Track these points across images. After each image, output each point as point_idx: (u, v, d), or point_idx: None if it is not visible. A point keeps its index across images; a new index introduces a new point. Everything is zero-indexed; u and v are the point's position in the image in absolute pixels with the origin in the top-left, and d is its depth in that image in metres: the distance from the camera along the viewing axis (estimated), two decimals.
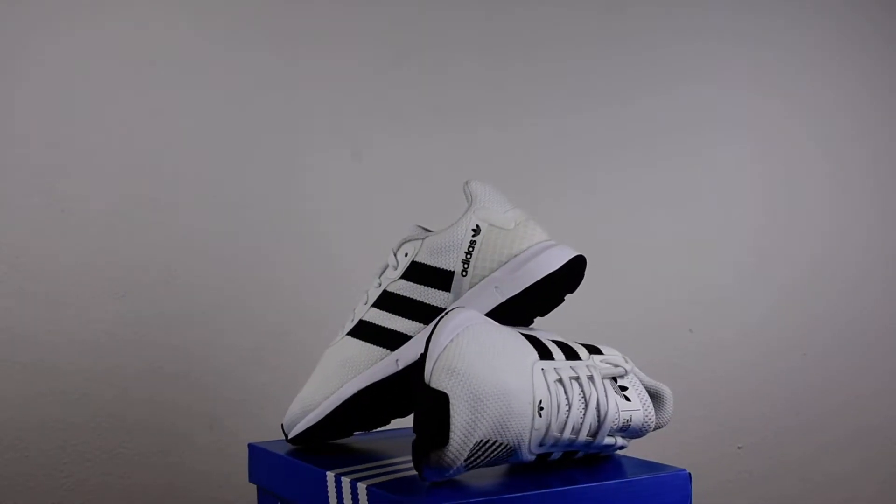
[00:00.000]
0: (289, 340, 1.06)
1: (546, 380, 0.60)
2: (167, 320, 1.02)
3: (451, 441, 0.56)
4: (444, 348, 0.58)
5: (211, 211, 1.05)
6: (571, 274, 0.71)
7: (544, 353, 0.63)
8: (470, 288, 0.71)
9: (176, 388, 1.02)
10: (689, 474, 0.62)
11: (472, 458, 0.57)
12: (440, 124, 1.15)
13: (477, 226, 0.73)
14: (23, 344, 0.97)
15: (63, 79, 1.01)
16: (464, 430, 0.56)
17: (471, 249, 0.72)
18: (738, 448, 1.19)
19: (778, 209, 1.24)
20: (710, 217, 1.22)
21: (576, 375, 0.62)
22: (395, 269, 0.74)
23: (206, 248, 1.05)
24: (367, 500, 0.60)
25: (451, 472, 0.57)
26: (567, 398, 0.61)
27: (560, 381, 0.61)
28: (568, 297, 0.73)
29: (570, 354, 0.64)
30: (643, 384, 0.67)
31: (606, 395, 0.62)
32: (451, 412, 0.56)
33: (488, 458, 0.58)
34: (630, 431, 0.64)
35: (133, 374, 1.00)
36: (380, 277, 0.76)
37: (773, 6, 1.27)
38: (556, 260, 0.70)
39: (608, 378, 0.64)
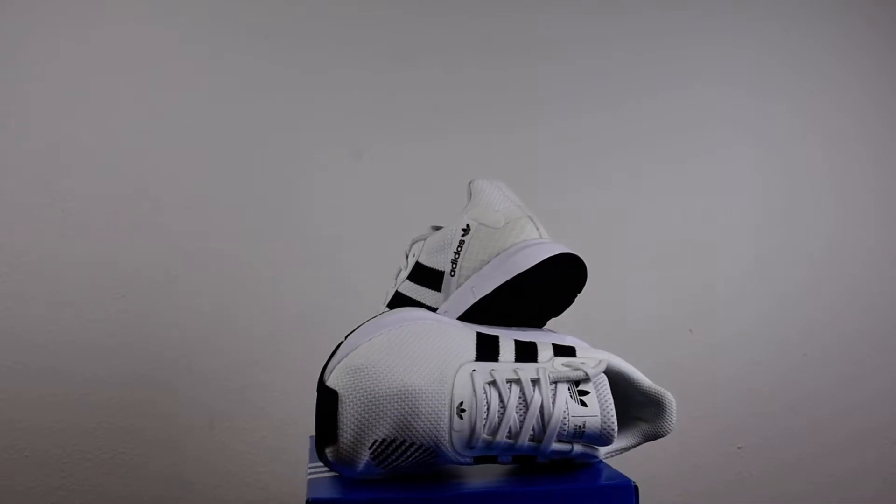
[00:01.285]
0: (289, 341, 1.06)
1: (473, 382, 0.59)
2: (167, 320, 1.02)
3: (341, 439, 0.57)
4: (356, 348, 0.59)
5: (211, 211, 1.05)
6: (551, 273, 0.68)
7: (486, 355, 0.61)
8: (457, 288, 0.70)
9: (176, 388, 1.02)
10: (636, 487, 0.58)
11: (382, 458, 0.58)
12: (441, 126, 1.15)
13: (467, 225, 0.72)
14: (23, 344, 0.97)
15: (63, 79, 1.01)
16: (354, 428, 0.57)
17: (459, 249, 0.71)
18: (738, 448, 1.19)
19: (778, 209, 1.24)
20: (710, 217, 1.22)
21: (516, 378, 0.59)
22: (405, 269, 0.74)
23: (206, 248, 1.05)
24: None
25: (361, 468, 0.58)
26: (502, 400, 0.58)
27: (493, 383, 0.59)
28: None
29: (526, 356, 0.61)
30: (644, 390, 0.64)
31: (554, 399, 0.59)
32: (340, 410, 0.57)
33: (406, 459, 0.58)
34: (588, 438, 0.59)
35: (133, 374, 1.00)
36: (395, 278, 0.75)
37: (774, 7, 1.26)
38: (530, 259, 0.67)
39: (565, 382, 0.60)
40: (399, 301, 0.73)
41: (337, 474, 0.60)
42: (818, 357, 1.23)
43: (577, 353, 0.62)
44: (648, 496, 1.14)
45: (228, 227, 1.06)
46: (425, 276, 0.72)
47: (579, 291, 0.70)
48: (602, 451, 0.62)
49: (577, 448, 0.60)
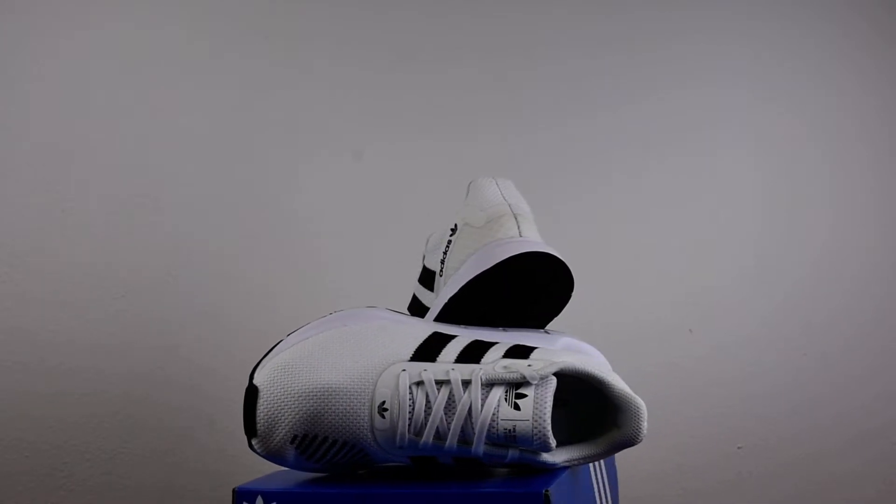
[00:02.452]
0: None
1: (399, 381, 0.58)
2: (167, 320, 1.02)
3: (258, 433, 0.60)
4: (290, 346, 0.61)
5: (211, 211, 1.05)
6: (517, 271, 0.66)
7: (424, 356, 0.60)
8: (443, 288, 0.69)
9: (176, 388, 1.02)
10: (546, 496, 0.55)
11: (309, 454, 0.60)
12: (441, 126, 1.15)
13: (455, 225, 0.71)
14: (23, 344, 0.97)
15: (63, 79, 1.01)
16: (269, 423, 0.59)
17: (446, 249, 0.70)
18: (738, 448, 1.19)
19: (779, 209, 1.24)
20: (710, 217, 1.22)
21: (446, 379, 0.58)
22: (420, 270, 0.75)
23: (206, 249, 1.05)
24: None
25: (292, 462, 0.61)
26: (428, 401, 0.58)
27: (420, 383, 0.58)
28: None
29: (469, 357, 0.60)
30: (615, 395, 0.60)
31: (483, 402, 0.57)
32: (258, 405, 0.60)
33: (336, 455, 0.60)
34: (521, 442, 0.57)
35: (133, 374, 1.00)
36: (417, 279, 0.76)
37: (774, 7, 1.26)
38: (495, 256, 0.66)
39: (502, 384, 0.58)
40: (412, 302, 0.73)
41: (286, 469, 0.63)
42: (819, 357, 1.23)
43: (533, 355, 0.59)
44: (648, 496, 1.14)
45: (228, 227, 1.06)
46: (424, 276, 0.73)
47: (561, 292, 0.68)
48: (560, 457, 0.59)
49: (513, 452, 0.58)
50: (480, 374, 0.58)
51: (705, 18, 1.25)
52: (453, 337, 0.63)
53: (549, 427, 0.57)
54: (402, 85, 1.14)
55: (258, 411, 0.60)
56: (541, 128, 1.18)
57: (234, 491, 0.60)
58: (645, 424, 0.60)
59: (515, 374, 0.57)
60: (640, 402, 0.59)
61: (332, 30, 1.12)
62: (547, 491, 0.54)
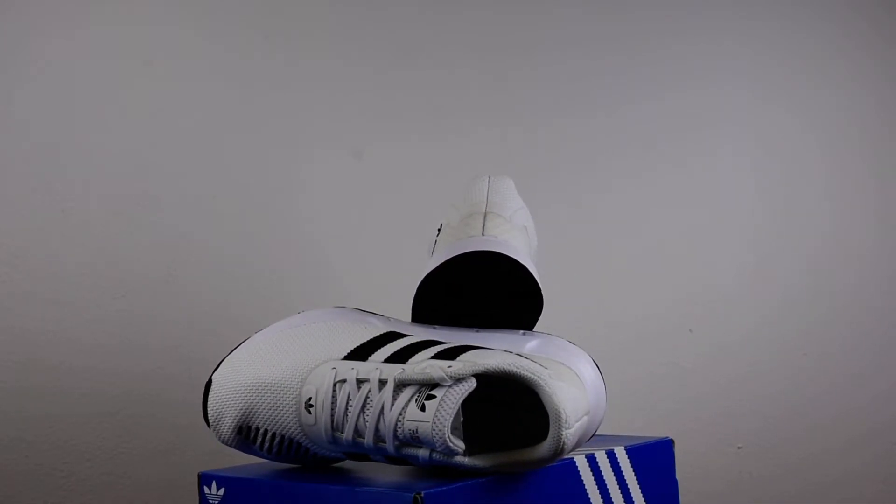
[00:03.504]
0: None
1: (326, 379, 0.60)
2: (167, 320, 1.02)
3: (210, 423, 0.66)
4: (248, 343, 0.66)
5: (211, 211, 1.05)
6: (461, 270, 0.66)
7: (358, 355, 0.61)
8: None
9: (176, 388, 1.02)
10: (415, 499, 0.55)
11: (255, 444, 0.64)
12: (442, 126, 1.15)
13: (441, 225, 0.72)
14: (23, 344, 0.97)
15: (63, 79, 1.01)
16: (217, 414, 0.65)
17: (433, 249, 0.72)
18: (738, 448, 1.19)
19: (778, 209, 1.24)
20: (710, 217, 1.22)
21: (366, 378, 0.59)
22: None
23: (206, 248, 1.05)
24: None
25: (251, 451, 0.65)
26: (349, 399, 0.59)
27: (344, 381, 0.59)
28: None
29: (399, 357, 0.60)
30: (544, 400, 0.57)
31: (393, 402, 0.58)
32: (209, 398, 0.66)
33: (280, 447, 0.63)
34: (426, 444, 0.57)
35: (133, 374, 1.00)
36: None
37: (774, 7, 1.27)
38: (444, 256, 0.67)
39: (415, 385, 0.58)
40: None
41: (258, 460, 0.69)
42: (818, 357, 1.23)
43: (465, 356, 0.59)
44: None
45: (229, 226, 1.06)
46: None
47: (525, 291, 0.67)
48: (480, 462, 0.58)
49: (424, 454, 0.58)
50: (397, 374, 0.58)
51: (705, 18, 1.25)
52: (403, 337, 0.63)
53: (448, 430, 0.56)
54: (402, 84, 1.14)
55: (209, 403, 0.66)
56: (541, 127, 1.18)
57: (198, 475, 0.66)
58: (564, 439, 0.56)
59: (428, 376, 0.57)
60: (562, 412, 0.56)
61: (332, 29, 1.12)
62: (418, 495, 0.54)
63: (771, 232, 1.24)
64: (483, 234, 0.68)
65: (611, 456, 0.68)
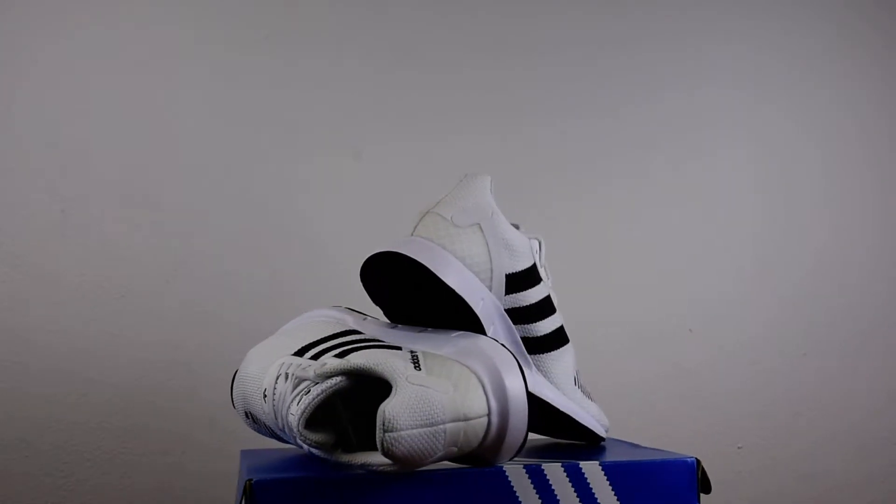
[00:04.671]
0: None
1: (272, 373, 0.64)
2: (167, 321, 1.02)
3: (235, 408, 0.71)
4: (265, 339, 0.71)
5: (211, 211, 1.05)
6: (366, 273, 0.69)
7: (302, 352, 0.65)
8: None
9: (176, 388, 1.02)
10: (247, 484, 0.57)
11: (256, 425, 0.69)
12: (442, 126, 1.15)
13: None
14: (23, 344, 0.97)
15: (63, 79, 1.01)
16: (233, 400, 0.71)
17: None
18: (738, 448, 1.19)
19: (778, 209, 1.24)
20: (710, 218, 1.22)
21: (286, 374, 0.63)
22: None
23: (206, 248, 1.05)
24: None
25: (261, 432, 0.70)
26: (276, 392, 0.63)
27: (284, 375, 0.63)
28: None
29: (318, 355, 0.63)
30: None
31: (283, 398, 0.62)
32: (231, 386, 0.72)
33: (266, 431, 0.68)
34: (295, 437, 0.61)
35: (133, 375, 1.00)
36: None
37: (774, 8, 1.27)
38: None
39: (300, 381, 0.61)
40: None
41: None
42: (818, 357, 1.23)
43: (352, 356, 0.61)
44: None
45: (228, 226, 1.06)
46: None
47: (435, 291, 0.66)
48: (355, 460, 0.59)
49: (306, 447, 0.60)
50: (297, 371, 0.61)
51: (705, 19, 1.25)
52: (350, 335, 0.66)
53: (298, 424, 0.58)
54: (402, 84, 1.14)
55: (231, 392, 0.71)
56: (541, 127, 1.18)
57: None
58: (384, 442, 0.55)
59: (304, 373, 0.60)
60: (384, 413, 0.55)
61: (332, 29, 1.12)
62: (249, 481, 0.57)
63: (771, 232, 1.24)
64: (412, 234, 0.69)
65: (572, 470, 0.62)
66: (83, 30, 1.02)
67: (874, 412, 1.22)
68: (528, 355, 0.70)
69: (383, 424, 0.55)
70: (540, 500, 0.61)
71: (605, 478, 0.62)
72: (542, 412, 0.70)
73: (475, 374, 0.59)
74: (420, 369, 0.59)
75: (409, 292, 0.69)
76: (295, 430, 0.59)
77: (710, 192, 1.23)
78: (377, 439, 0.55)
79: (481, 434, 0.59)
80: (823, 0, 1.28)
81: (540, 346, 0.70)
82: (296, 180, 1.09)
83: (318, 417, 0.60)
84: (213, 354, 1.03)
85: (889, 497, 1.21)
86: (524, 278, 0.70)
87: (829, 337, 1.23)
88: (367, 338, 0.66)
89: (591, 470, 0.62)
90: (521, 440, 0.60)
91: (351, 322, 0.71)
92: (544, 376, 0.70)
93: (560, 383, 0.71)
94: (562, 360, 0.71)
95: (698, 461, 0.62)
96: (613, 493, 0.61)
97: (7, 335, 0.97)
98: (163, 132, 1.04)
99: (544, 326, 0.70)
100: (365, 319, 0.71)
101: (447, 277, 0.66)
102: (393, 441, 0.55)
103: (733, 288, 1.22)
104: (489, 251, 0.69)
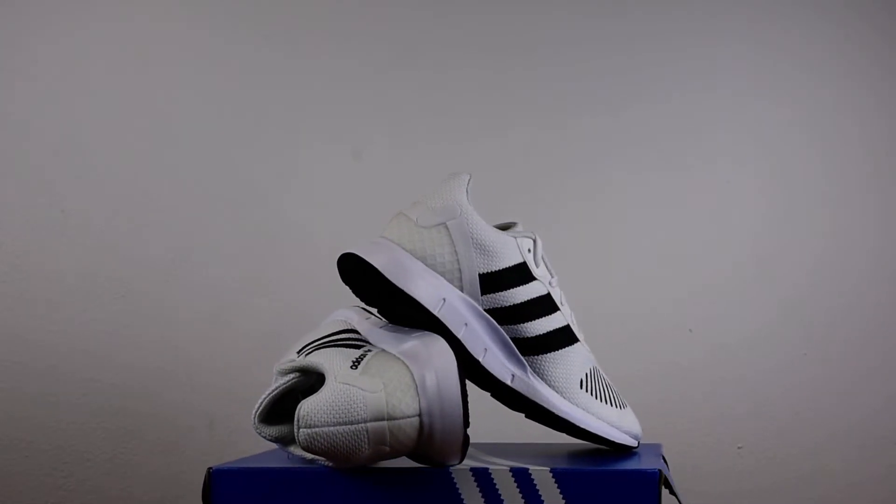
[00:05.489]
0: (289, 341, 1.06)
1: (273, 371, 0.68)
2: (167, 320, 1.02)
3: None
4: None
5: (211, 211, 1.05)
6: (344, 273, 0.70)
7: (301, 350, 0.69)
8: None
9: (176, 388, 1.02)
10: (207, 474, 0.61)
11: None
12: (442, 125, 1.15)
13: None
14: (23, 344, 0.97)
15: (62, 79, 1.01)
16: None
17: None
18: (738, 448, 1.19)
19: (779, 209, 1.24)
20: (710, 217, 1.22)
21: (274, 370, 0.68)
22: None
23: (207, 248, 1.05)
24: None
25: None
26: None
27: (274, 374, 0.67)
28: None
29: (302, 354, 0.67)
30: None
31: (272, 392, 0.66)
32: None
33: None
34: None
35: (133, 374, 1.00)
36: None
37: (774, 8, 1.27)
38: None
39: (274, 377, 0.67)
40: None
41: None
42: (819, 357, 1.23)
43: (310, 353, 0.65)
44: None
45: (228, 227, 1.06)
46: None
47: (387, 290, 0.67)
48: (301, 453, 0.63)
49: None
50: (275, 367, 0.66)
51: (706, 19, 1.25)
52: (346, 332, 0.69)
53: (254, 417, 0.63)
54: (402, 84, 1.14)
55: None
56: (541, 127, 1.18)
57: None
58: (298, 437, 0.59)
59: (277, 369, 0.65)
60: (300, 409, 0.59)
61: (332, 29, 1.12)
62: (209, 469, 0.63)
63: (771, 232, 1.24)
64: (381, 236, 0.70)
65: (520, 475, 0.60)
66: (83, 29, 1.02)
67: (874, 412, 1.22)
68: (522, 357, 0.68)
69: (299, 421, 0.59)
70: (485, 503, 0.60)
71: (556, 485, 0.59)
72: (540, 416, 0.68)
73: (412, 373, 0.60)
74: (356, 368, 0.61)
75: (372, 294, 0.69)
76: (252, 422, 0.63)
77: (710, 192, 1.23)
78: (295, 435, 0.59)
79: (413, 434, 0.59)
80: (824, 0, 1.28)
81: (534, 347, 0.69)
82: (296, 180, 1.09)
83: (283, 410, 0.64)
84: (213, 355, 1.03)
85: (890, 497, 1.21)
86: (503, 278, 0.68)
87: (829, 337, 1.23)
88: (354, 337, 0.68)
89: (541, 476, 0.60)
90: (459, 442, 0.60)
91: (355, 322, 0.71)
92: (541, 378, 0.68)
93: (560, 386, 0.69)
94: (563, 361, 0.69)
95: (661, 473, 0.58)
96: (563, 500, 0.59)
97: (7, 335, 0.97)
98: (163, 132, 1.04)
99: (538, 327, 0.69)
100: (368, 319, 0.71)
101: (396, 278, 0.66)
102: (307, 437, 0.58)
103: (733, 288, 1.22)
104: (456, 251, 0.68)
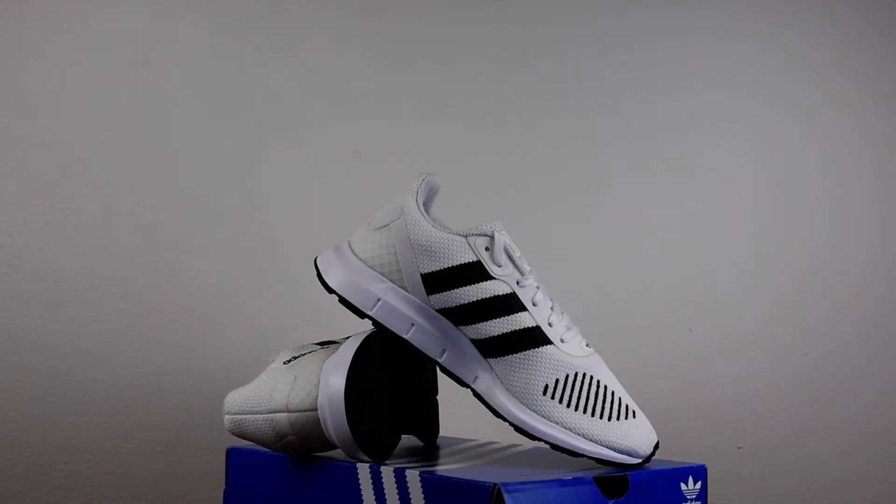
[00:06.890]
0: (289, 340, 1.06)
1: None
2: (167, 320, 1.02)
3: None
4: None
5: (211, 210, 1.06)
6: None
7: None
8: None
9: (176, 388, 1.02)
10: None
11: None
12: (441, 125, 1.15)
13: None
14: (23, 344, 0.97)
15: (62, 79, 1.01)
16: None
17: None
18: (738, 448, 1.19)
19: (778, 209, 1.24)
20: (710, 217, 1.22)
21: None
22: None
23: (206, 248, 1.05)
24: (421, 488, 0.60)
25: None
26: None
27: None
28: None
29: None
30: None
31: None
32: None
33: None
34: None
35: (133, 374, 1.00)
36: None
37: (774, 7, 1.27)
38: None
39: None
40: None
41: None
42: (819, 357, 1.23)
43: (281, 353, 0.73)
44: None
45: (229, 226, 1.06)
46: None
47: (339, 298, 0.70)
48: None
49: None
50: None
51: (705, 18, 1.25)
52: (335, 342, 0.74)
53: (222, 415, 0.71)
54: (401, 83, 1.14)
55: None
56: (540, 125, 1.18)
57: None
58: (224, 422, 0.71)
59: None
60: (225, 396, 0.70)
61: (331, 25, 1.12)
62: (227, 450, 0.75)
63: (771, 232, 1.24)
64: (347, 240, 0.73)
65: (399, 476, 0.62)
66: (83, 29, 1.02)
67: (874, 412, 1.22)
68: (484, 358, 0.66)
69: (223, 407, 0.69)
70: (375, 500, 0.63)
71: (421, 488, 0.60)
72: (500, 419, 0.66)
73: (322, 371, 0.66)
74: (288, 363, 0.68)
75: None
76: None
77: (710, 191, 1.23)
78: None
79: (318, 428, 0.65)
80: (824, 0, 1.28)
81: (493, 348, 0.65)
82: (297, 180, 1.09)
83: None
84: (213, 354, 1.03)
85: (889, 497, 1.21)
86: (449, 277, 0.66)
87: (829, 337, 1.23)
88: (334, 340, 0.73)
89: (412, 477, 0.61)
90: (347, 438, 0.64)
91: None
92: (501, 381, 0.66)
93: (520, 392, 0.65)
94: (525, 366, 0.65)
95: (497, 490, 0.54)
96: (424, 501, 0.60)
97: (7, 335, 0.97)
98: (162, 131, 1.04)
99: (494, 327, 0.65)
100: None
101: (330, 278, 0.70)
102: (228, 423, 0.69)
103: (733, 287, 1.22)
104: (396, 252, 0.69)
